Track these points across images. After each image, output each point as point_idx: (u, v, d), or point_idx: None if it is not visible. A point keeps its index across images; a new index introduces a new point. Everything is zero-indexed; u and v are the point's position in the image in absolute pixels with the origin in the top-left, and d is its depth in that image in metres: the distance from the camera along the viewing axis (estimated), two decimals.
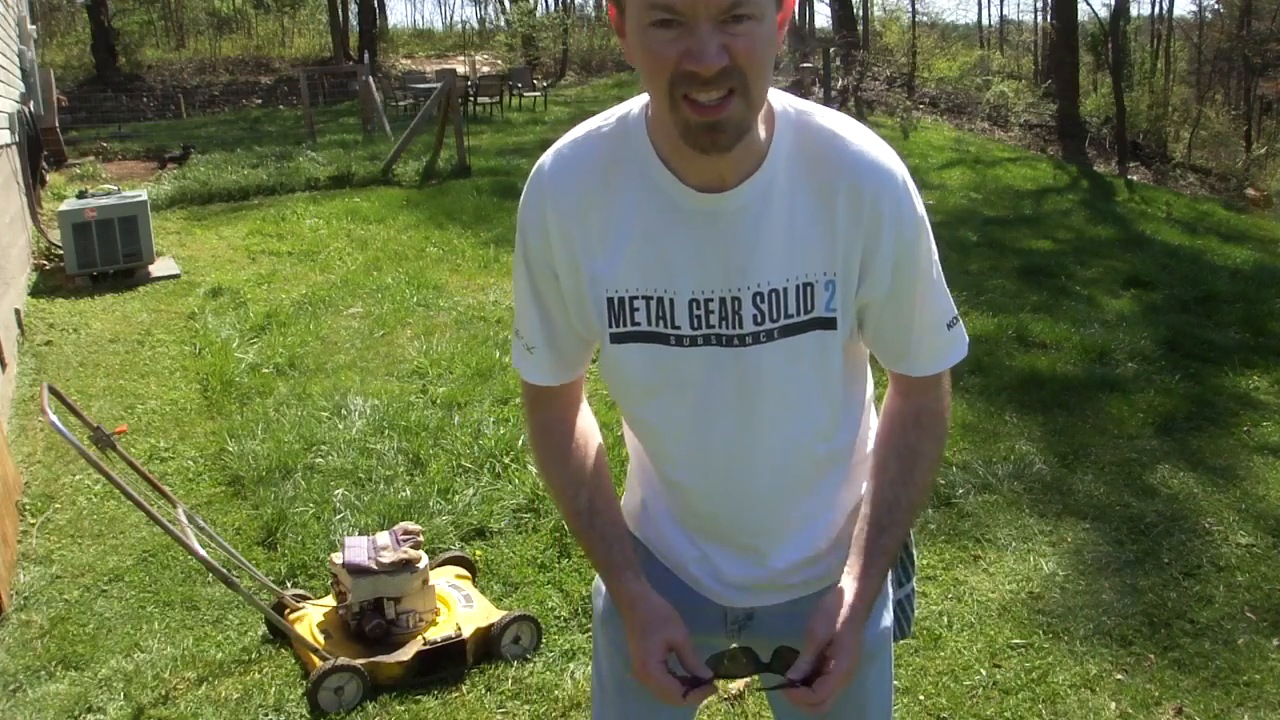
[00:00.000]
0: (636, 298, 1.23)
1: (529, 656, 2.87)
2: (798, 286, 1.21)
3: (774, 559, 1.38)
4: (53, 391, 2.72)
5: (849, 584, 1.26)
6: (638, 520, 1.46)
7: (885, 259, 1.26)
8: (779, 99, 1.22)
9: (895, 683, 2.80)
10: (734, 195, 1.18)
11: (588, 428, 1.40)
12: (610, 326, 1.25)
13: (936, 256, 1.37)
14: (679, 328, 1.23)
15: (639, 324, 1.24)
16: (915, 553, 1.55)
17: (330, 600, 2.95)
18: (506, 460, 4.07)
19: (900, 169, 1.24)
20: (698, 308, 1.21)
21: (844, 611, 1.23)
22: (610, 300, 1.23)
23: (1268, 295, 7.19)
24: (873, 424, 1.54)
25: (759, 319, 1.21)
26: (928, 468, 1.42)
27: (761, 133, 1.18)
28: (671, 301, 1.22)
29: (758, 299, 1.20)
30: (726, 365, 1.24)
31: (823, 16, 34.68)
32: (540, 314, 1.30)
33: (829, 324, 1.24)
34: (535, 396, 1.38)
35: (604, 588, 1.43)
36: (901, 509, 1.34)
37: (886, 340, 1.37)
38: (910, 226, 1.27)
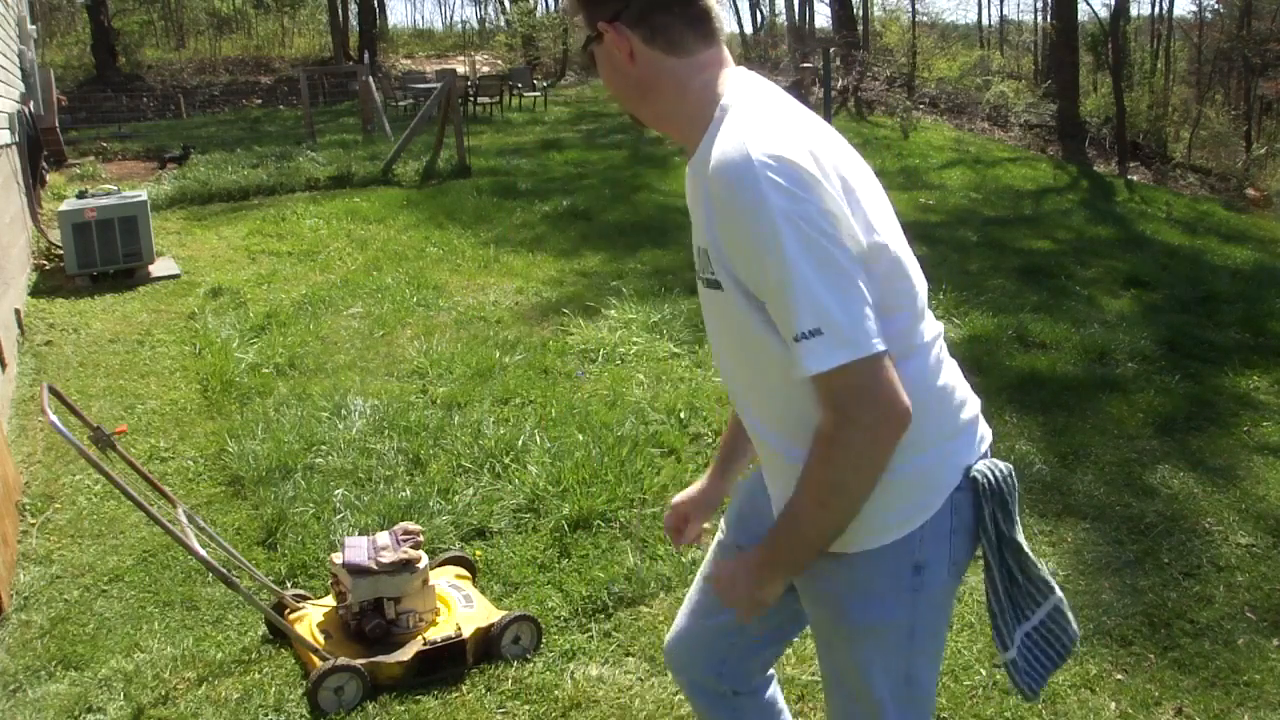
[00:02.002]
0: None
1: (529, 656, 2.87)
2: (699, 248, 1.46)
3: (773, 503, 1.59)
4: (53, 391, 2.72)
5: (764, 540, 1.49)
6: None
7: (730, 244, 1.36)
8: (734, 91, 1.43)
9: None
10: (689, 165, 1.49)
11: None
12: None
13: (806, 259, 1.29)
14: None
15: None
16: (1018, 626, 1.55)
17: (330, 600, 2.95)
18: (506, 460, 4.07)
19: (750, 164, 1.30)
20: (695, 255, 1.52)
21: (748, 555, 1.52)
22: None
23: (1268, 295, 7.19)
24: None
25: (697, 268, 1.51)
26: (806, 486, 1.41)
27: (708, 119, 1.43)
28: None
29: (697, 250, 1.48)
30: (702, 302, 1.54)
31: (823, 16, 34.67)
32: None
33: (717, 285, 1.43)
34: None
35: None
36: (787, 513, 1.46)
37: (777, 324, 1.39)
38: (740, 218, 1.32)
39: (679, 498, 1.87)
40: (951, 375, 1.60)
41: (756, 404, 1.52)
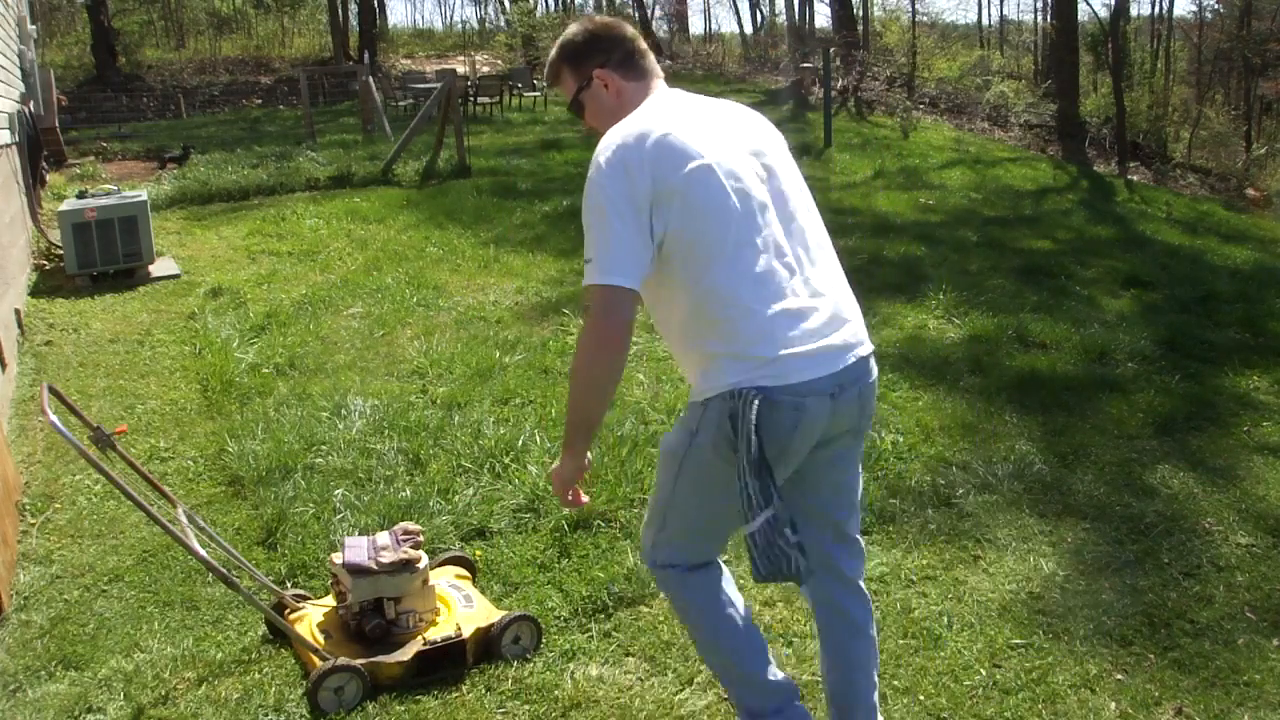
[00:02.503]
0: None
1: (529, 656, 2.87)
2: None
3: None
4: (53, 391, 2.72)
5: None
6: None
7: None
8: (646, 101, 2.19)
9: (895, 683, 2.81)
10: None
11: None
12: None
13: (590, 207, 2.10)
14: None
15: None
16: (759, 484, 1.94)
17: (330, 600, 2.95)
18: (506, 460, 4.07)
19: (599, 152, 2.06)
20: None
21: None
22: None
23: (1268, 295, 7.19)
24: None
25: None
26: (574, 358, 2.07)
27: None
28: None
29: None
30: None
31: (823, 16, 34.65)
32: None
33: None
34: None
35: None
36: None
37: None
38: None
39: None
40: (760, 319, 1.98)
41: (659, 320, 2.21)
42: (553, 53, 2.25)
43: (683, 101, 2.20)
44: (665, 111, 2.10)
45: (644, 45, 2.23)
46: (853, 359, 2.05)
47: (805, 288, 2.04)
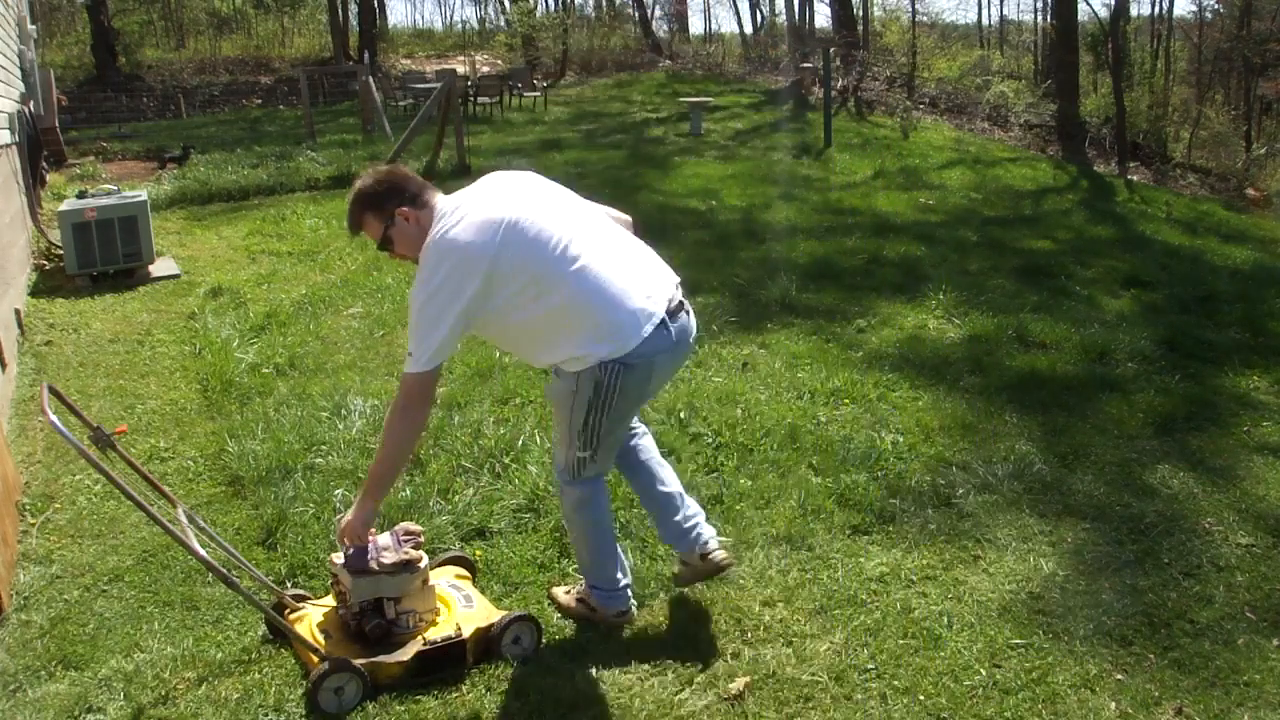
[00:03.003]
0: None
1: (529, 656, 2.87)
2: None
3: None
4: (53, 391, 2.72)
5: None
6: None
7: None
8: (440, 210, 2.70)
9: (895, 683, 2.81)
10: None
11: None
12: None
13: (415, 309, 2.59)
14: None
15: None
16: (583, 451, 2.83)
17: (330, 600, 2.95)
18: (506, 460, 4.07)
19: (434, 248, 2.61)
20: None
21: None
22: None
23: (1268, 295, 7.19)
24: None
25: None
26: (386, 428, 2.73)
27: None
28: None
29: None
30: None
31: (823, 16, 34.64)
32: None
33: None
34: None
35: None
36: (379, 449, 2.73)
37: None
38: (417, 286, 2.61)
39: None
40: (598, 310, 2.62)
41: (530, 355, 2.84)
42: (352, 205, 2.73)
43: (469, 193, 2.75)
44: (462, 210, 2.64)
45: (420, 180, 2.77)
46: (682, 315, 2.78)
47: (630, 276, 2.67)
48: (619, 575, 3.03)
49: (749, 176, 11.38)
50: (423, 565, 2.83)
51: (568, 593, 3.15)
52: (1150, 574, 3.39)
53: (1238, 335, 6.20)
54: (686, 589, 3.22)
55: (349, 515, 2.72)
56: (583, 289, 2.60)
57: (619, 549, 3.07)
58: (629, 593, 3.07)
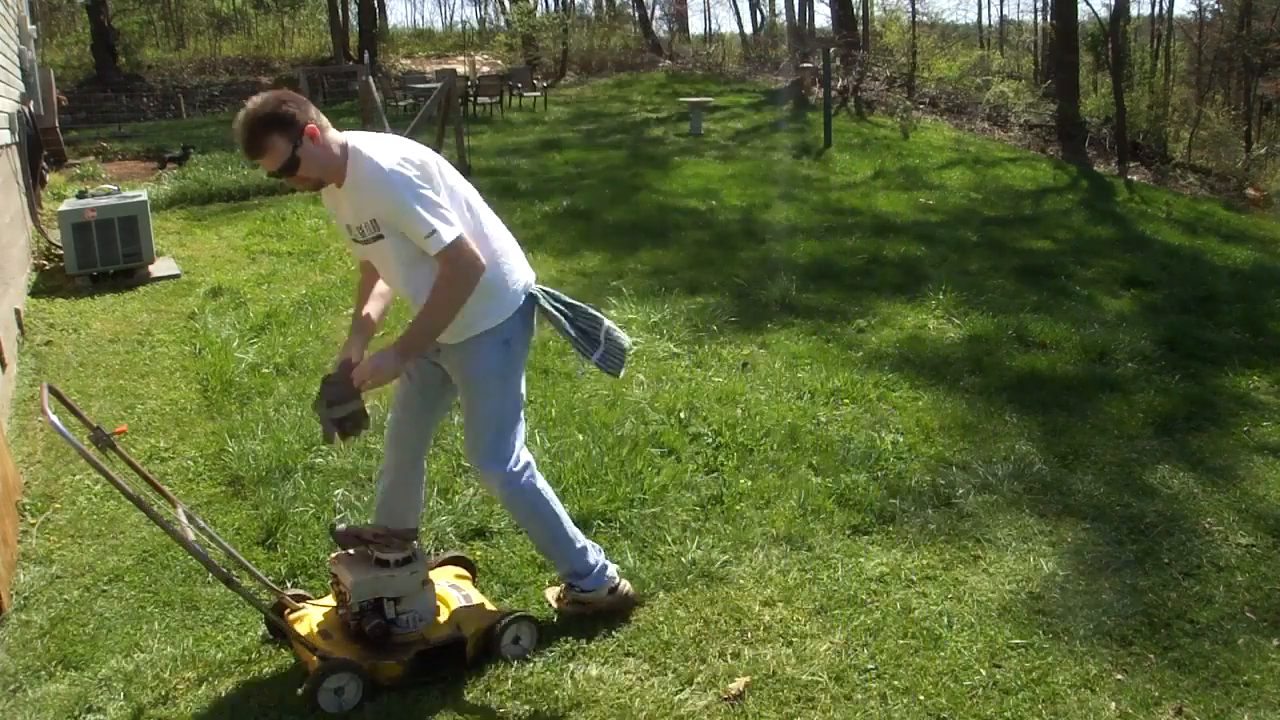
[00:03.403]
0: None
1: (529, 656, 2.87)
2: (364, 223, 2.73)
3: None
4: (53, 391, 2.72)
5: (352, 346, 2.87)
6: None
7: (387, 212, 2.66)
8: (350, 140, 2.68)
9: (895, 683, 2.81)
10: (342, 189, 2.71)
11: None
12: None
13: (412, 200, 2.61)
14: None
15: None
16: (581, 332, 2.98)
17: (330, 600, 2.95)
18: None
19: (380, 168, 2.62)
20: (350, 231, 2.82)
21: (390, 344, 2.76)
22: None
23: (1268, 295, 7.19)
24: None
25: (357, 236, 2.78)
26: (430, 303, 2.70)
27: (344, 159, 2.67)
28: (347, 226, 2.82)
29: (362, 228, 2.74)
30: (367, 251, 2.82)
31: (823, 16, 34.64)
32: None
33: (380, 237, 2.72)
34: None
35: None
36: (420, 318, 2.72)
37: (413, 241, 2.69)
38: (387, 197, 2.63)
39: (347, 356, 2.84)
40: (509, 257, 2.89)
41: (414, 284, 2.76)
42: (254, 126, 2.55)
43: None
44: (383, 139, 2.75)
45: None
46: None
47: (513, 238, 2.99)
48: (590, 554, 3.02)
49: (749, 176, 11.38)
50: (423, 565, 2.83)
51: (559, 598, 3.10)
52: (1150, 574, 3.39)
53: (1238, 335, 6.20)
54: (686, 590, 3.22)
55: (391, 357, 2.70)
56: (499, 231, 2.88)
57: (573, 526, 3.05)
58: (611, 567, 3.08)
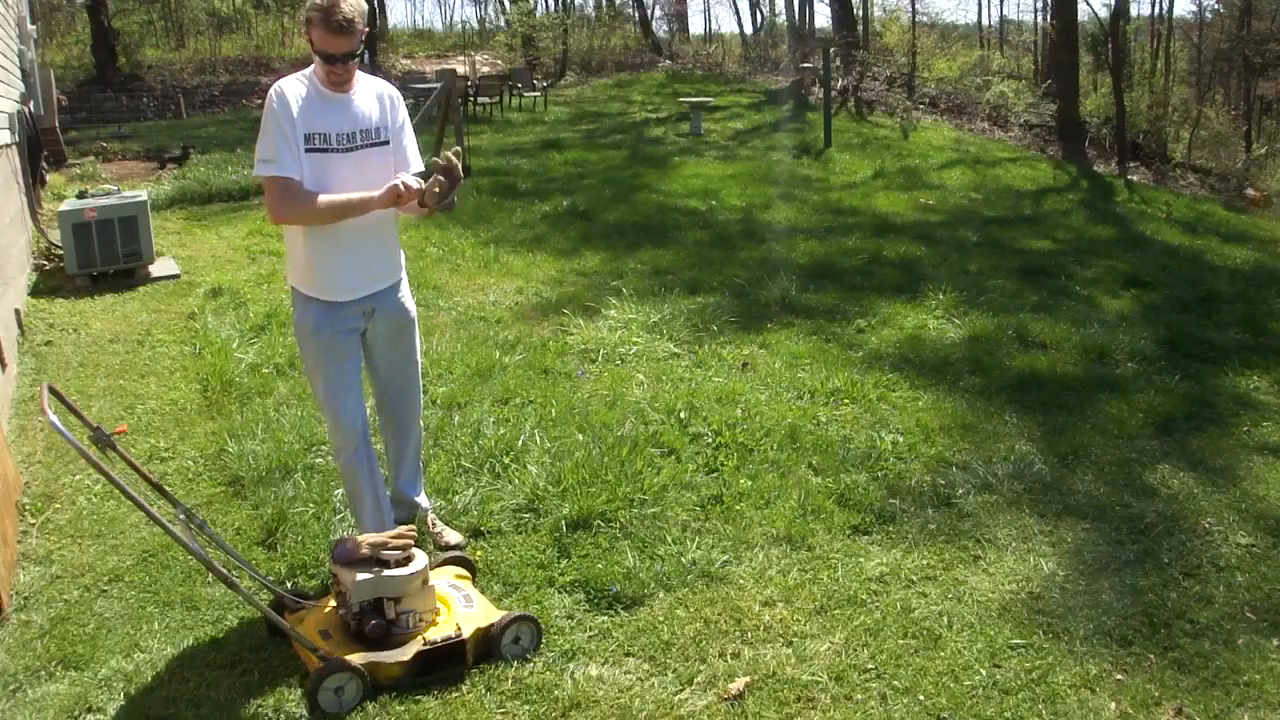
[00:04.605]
0: (313, 134, 2.98)
1: (529, 656, 2.87)
2: (375, 128, 3.07)
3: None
4: (53, 391, 2.72)
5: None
6: (312, 279, 3.15)
7: (395, 116, 3.12)
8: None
9: (895, 683, 2.81)
10: (355, 90, 3.07)
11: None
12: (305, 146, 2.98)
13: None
14: (334, 146, 3.01)
15: (314, 144, 2.98)
16: None
17: (330, 600, 2.95)
18: (506, 460, 4.07)
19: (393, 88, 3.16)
20: (342, 139, 3.03)
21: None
22: (306, 135, 2.98)
23: (1268, 295, 7.19)
24: None
25: (372, 136, 3.07)
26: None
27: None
28: (327, 135, 3.00)
29: (368, 130, 3.06)
30: (352, 159, 3.04)
31: (823, 16, 34.64)
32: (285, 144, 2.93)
33: (386, 142, 3.10)
34: (287, 184, 2.92)
35: (311, 319, 3.13)
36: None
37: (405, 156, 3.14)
38: (400, 103, 3.15)
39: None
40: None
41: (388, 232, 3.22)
42: (356, 7, 2.89)
43: None
44: None
45: None
46: None
47: None
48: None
49: (749, 176, 11.38)
50: (423, 565, 2.83)
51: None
52: (1150, 574, 3.39)
53: (1238, 335, 6.20)
54: (686, 590, 3.23)
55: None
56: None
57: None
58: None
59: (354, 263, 3.11)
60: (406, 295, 3.36)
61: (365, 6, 2.94)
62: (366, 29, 2.93)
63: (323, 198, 2.94)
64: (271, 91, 2.96)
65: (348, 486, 3.32)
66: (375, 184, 3.01)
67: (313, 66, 3.04)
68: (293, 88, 2.97)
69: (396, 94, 3.16)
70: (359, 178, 3.02)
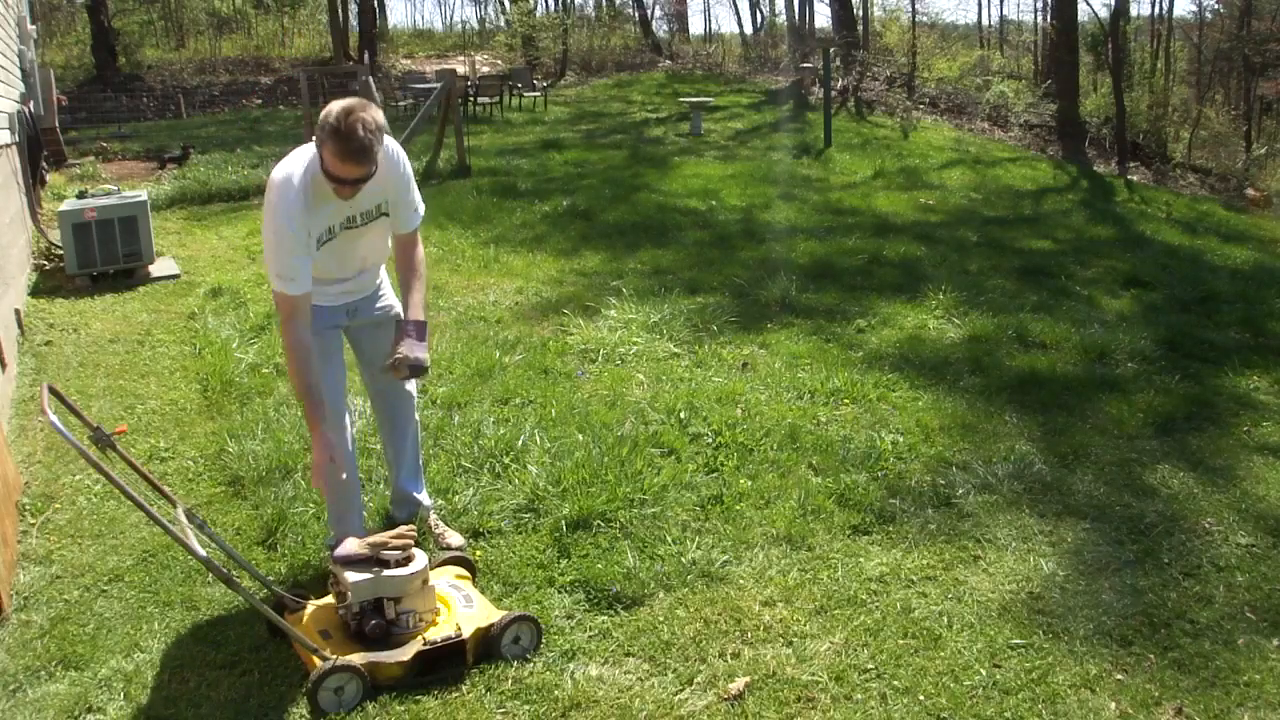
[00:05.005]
0: (321, 233, 2.97)
1: (529, 656, 2.87)
2: (375, 205, 3.04)
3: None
4: (53, 391, 2.72)
5: (413, 314, 3.15)
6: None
7: (393, 188, 3.05)
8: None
9: (895, 683, 2.81)
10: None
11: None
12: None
13: (412, 177, 3.14)
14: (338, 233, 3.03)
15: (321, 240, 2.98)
16: None
17: (330, 600, 2.95)
18: (506, 460, 4.07)
19: (395, 145, 3.01)
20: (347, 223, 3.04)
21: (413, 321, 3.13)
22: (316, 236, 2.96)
23: (1268, 295, 7.19)
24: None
25: (365, 219, 3.06)
26: (420, 269, 3.23)
27: None
28: (333, 228, 3.01)
29: (370, 211, 3.05)
30: (357, 235, 3.08)
31: (823, 16, 34.66)
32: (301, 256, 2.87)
33: (386, 214, 3.09)
34: (298, 304, 2.89)
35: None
36: (418, 287, 3.21)
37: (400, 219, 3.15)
38: (400, 171, 3.05)
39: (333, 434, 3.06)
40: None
41: (376, 255, 3.25)
42: (373, 135, 2.74)
43: None
44: None
45: None
46: None
47: None
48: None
49: (749, 176, 11.38)
50: (423, 565, 2.83)
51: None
52: (1150, 574, 3.39)
53: (1238, 335, 6.20)
54: (686, 590, 3.23)
55: (423, 344, 3.10)
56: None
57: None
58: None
59: (338, 290, 3.20)
60: (388, 294, 3.40)
61: (382, 121, 2.78)
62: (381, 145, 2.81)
63: (302, 362, 2.89)
64: (278, 202, 2.81)
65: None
66: (374, 245, 3.16)
67: (315, 158, 2.84)
68: (297, 199, 2.82)
69: (396, 158, 3.00)
70: (356, 242, 3.09)
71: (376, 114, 2.76)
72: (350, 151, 2.71)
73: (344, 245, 3.06)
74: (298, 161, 2.87)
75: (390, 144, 2.92)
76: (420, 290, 3.19)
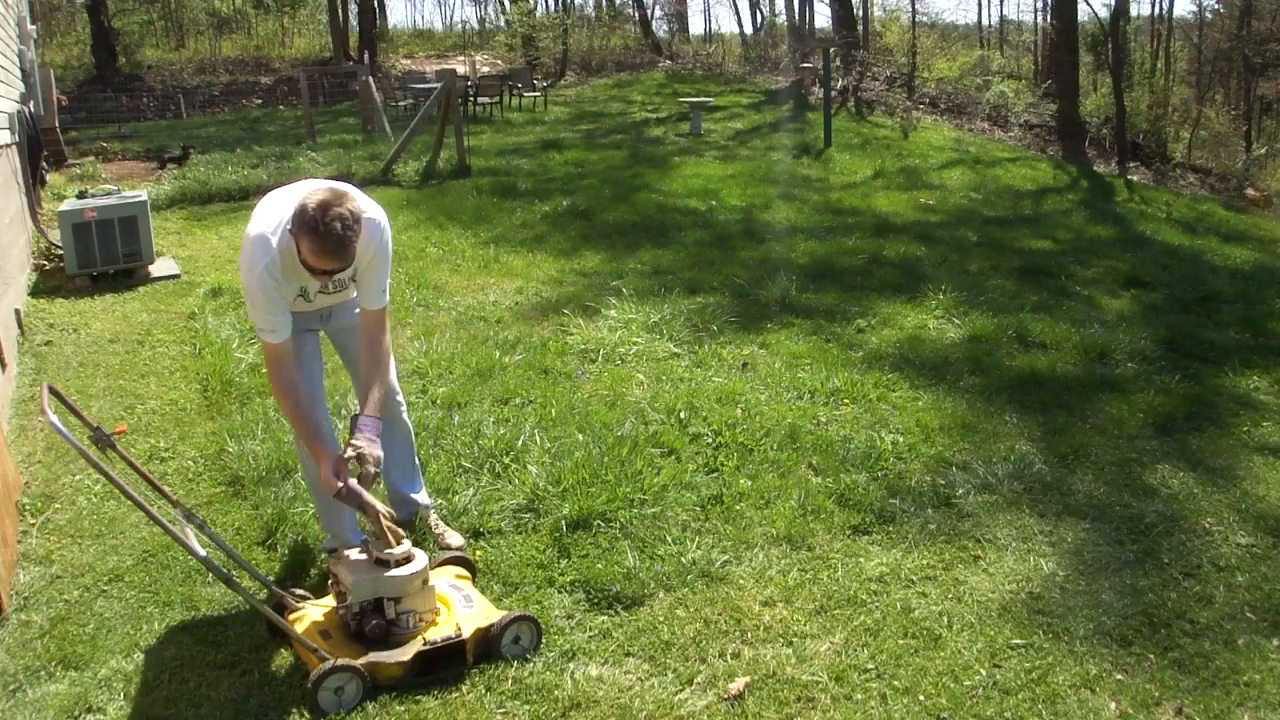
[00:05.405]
0: (296, 299, 3.04)
1: (529, 656, 2.87)
2: (349, 277, 3.05)
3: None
4: (53, 392, 2.72)
5: (369, 410, 3.03)
6: None
7: (367, 259, 3.00)
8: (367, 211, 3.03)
9: (895, 683, 2.81)
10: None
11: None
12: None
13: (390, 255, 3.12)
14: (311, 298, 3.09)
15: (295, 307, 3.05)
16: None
17: (330, 600, 2.95)
18: (506, 460, 4.07)
19: (380, 219, 3.01)
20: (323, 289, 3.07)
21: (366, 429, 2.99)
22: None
23: (1268, 295, 7.19)
24: None
25: (344, 283, 3.10)
26: (384, 349, 3.14)
27: None
28: (307, 290, 3.05)
29: (336, 283, 3.06)
30: (329, 299, 3.18)
31: (823, 17, 34.66)
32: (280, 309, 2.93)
33: (354, 280, 3.08)
34: (282, 351, 2.94)
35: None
36: (374, 378, 3.09)
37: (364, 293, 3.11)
38: (379, 245, 3.01)
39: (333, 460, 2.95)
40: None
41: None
42: (353, 230, 2.73)
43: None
44: None
45: None
46: None
47: None
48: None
49: (749, 176, 11.38)
50: (422, 565, 2.83)
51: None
52: (1150, 574, 3.39)
53: (1238, 335, 6.20)
54: (686, 590, 3.23)
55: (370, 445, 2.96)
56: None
57: None
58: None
59: (313, 308, 3.22)
60: None
61: (361, 207, 2.79)
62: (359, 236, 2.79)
63: (295, 403, 2.94)
64: (254, 262, 2.82)
65: (297, 441, 3.34)
66: (343, 302, 3.25)
67: (286, 231, 2.82)
68: (274, 262, 2.84)
69: (371, 238, 2.91)
70: (331, 297, 3.17)
71: (354, 204, 2.74)
72: (328, 250, 2.71)
73: (320, 299, 3.13)
74: (270, 220, 2.86)
75: (370, 224, 2.88)
76: (380, 388, 3.06)
